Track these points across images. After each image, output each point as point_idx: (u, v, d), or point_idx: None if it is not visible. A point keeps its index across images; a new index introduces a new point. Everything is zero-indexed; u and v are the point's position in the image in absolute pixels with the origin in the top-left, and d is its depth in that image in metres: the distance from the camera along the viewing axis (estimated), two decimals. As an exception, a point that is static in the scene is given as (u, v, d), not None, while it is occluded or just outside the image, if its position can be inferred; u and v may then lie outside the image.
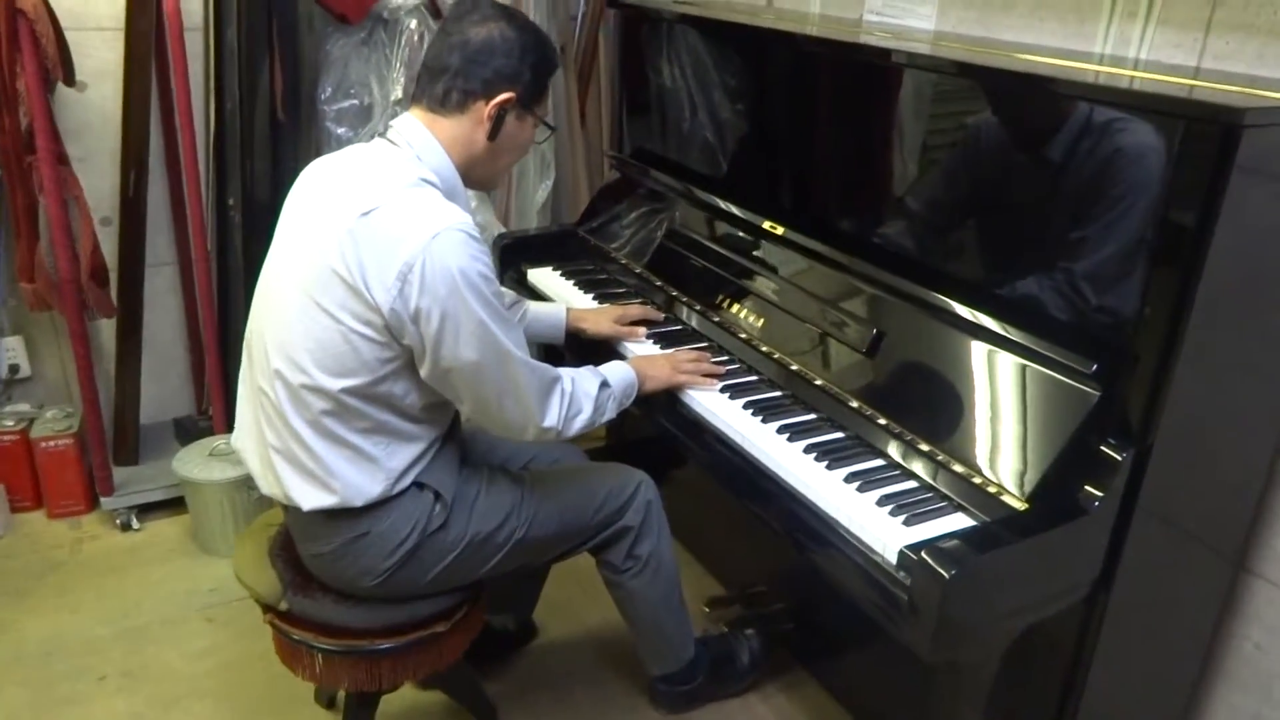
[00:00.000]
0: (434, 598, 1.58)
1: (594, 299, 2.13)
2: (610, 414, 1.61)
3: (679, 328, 1.97)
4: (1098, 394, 1.30)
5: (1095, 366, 1.30)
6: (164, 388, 2.77)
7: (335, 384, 1.38)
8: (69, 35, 2.35)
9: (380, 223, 1.34)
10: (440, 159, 1.44)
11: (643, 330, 1.95)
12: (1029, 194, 1.43)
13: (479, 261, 1.35)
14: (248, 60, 2.34)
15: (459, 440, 1.62)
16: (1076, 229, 1.34)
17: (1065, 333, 1.36)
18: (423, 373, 1.40)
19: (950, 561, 1.19)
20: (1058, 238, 1.37)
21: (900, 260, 1.64)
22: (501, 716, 1.95)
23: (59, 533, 2.49)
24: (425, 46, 2.39)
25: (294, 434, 1.42)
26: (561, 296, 2.16)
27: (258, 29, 2.32)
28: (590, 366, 1.63)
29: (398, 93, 2.38)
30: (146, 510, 2.53)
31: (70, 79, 2.19)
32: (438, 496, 1.51)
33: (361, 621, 1.54)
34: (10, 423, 2.49)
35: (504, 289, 1.94)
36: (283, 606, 1.56)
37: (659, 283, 2.08)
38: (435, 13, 2.45)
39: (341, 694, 1.83)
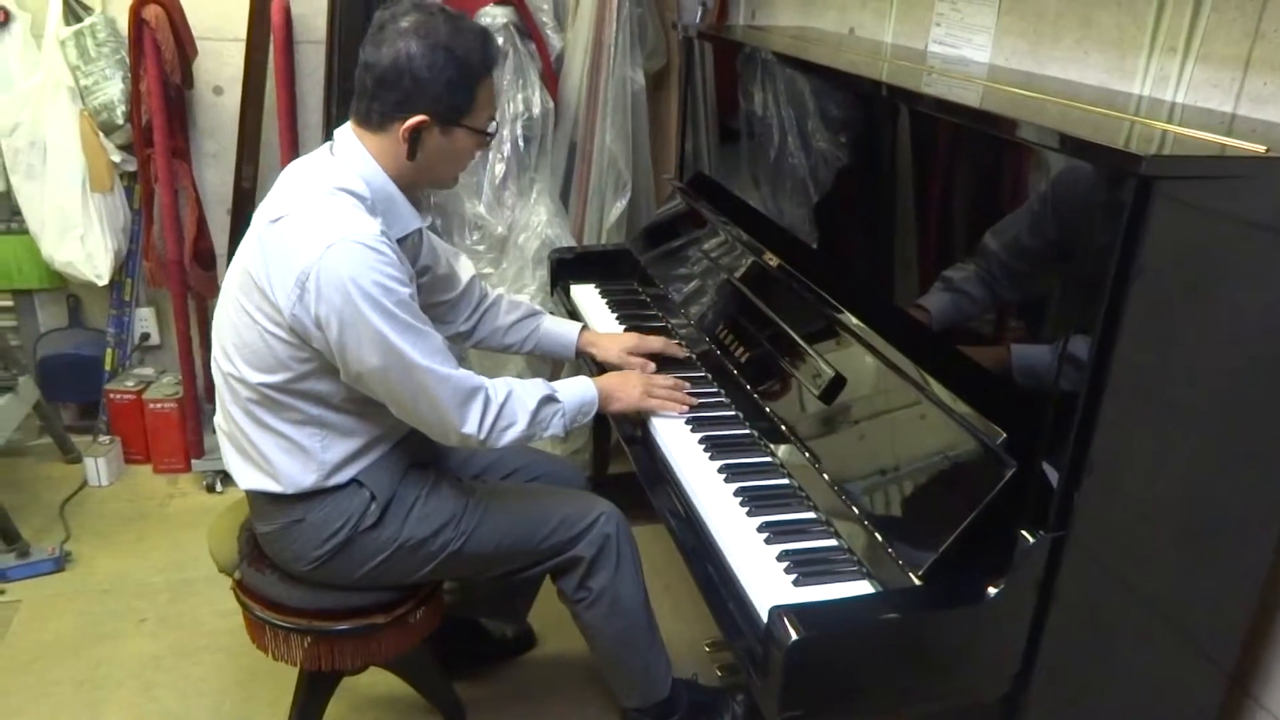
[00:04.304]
0: (374, 590, 1.63)
1: (618, 319, 2.13)
2: (556, 429, 1.60)
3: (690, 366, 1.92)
4: (1012, 468, 1.16)
5: (1005, 437, 1.16)
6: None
7: (255, 377, 1.46)
8: (208, 45, 2.65)
9: (284, 231, 1.40)
10: (371, 169, 1.46)
11: (652, 365, 1.86)
12: (974, 237, 1.30)
13: (376, 271, 1.36)
14: (347, 72, 2.52)
15: (414, 444, 1.65)
16: (1006, 282, 1.20)
17: (988, 398, 1.22)
18: (341, 375, 1.45)
19: (804, 626, 1.10)
20: (989, 293, 1.24)
21: (855, 292, 1.53)
22: (471, 719, 1.98)
23: (157, 486, 2.78)
24: (507, 66, 2.50)
25: (232, 418, 1.52)
26: (592, 315, 2.17)
27: (357, 44, 2.49)
28: (541, 380, 1.62)
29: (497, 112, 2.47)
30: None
31: (187, 82, 2.45)
32: (374, 496, 1.56)
33: (298, 601, 1.62)
34: (131, 383, 2.81)
35: (521, 301, 1.98)
36: (236, 576, 1.67)
37: (684, 313, 2.04)
38: (523, 32, 2.54)
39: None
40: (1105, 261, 1.03)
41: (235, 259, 1.51)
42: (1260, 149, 1.03)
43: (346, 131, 1.49)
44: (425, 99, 1.42)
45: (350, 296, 1.35)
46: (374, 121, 1.45)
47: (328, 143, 1.53)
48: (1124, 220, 1.00)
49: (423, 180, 1.55)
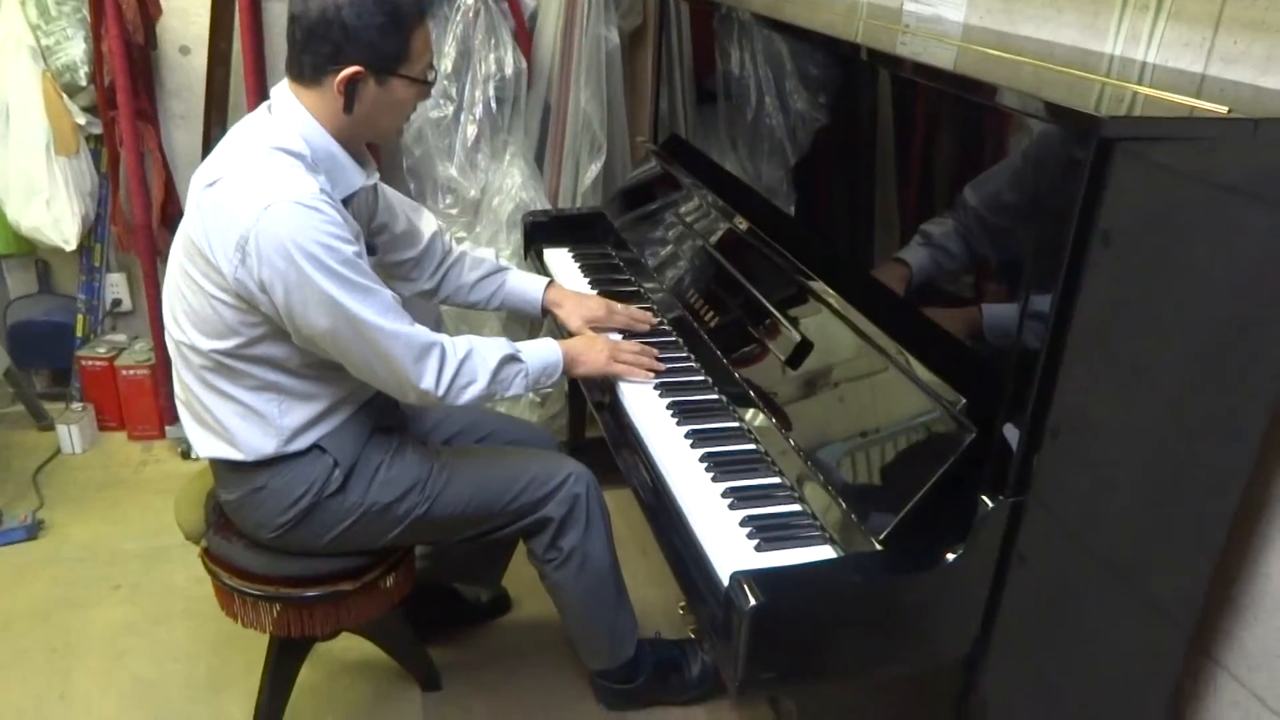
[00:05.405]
0: (342, 556, 1.63)
1: (591, 284, 2.11)
2: (518, 389, 1.59)
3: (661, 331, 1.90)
4: (972, 433, 1.16)
5: (965, 403, 1.15)
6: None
7: (206, 344, 1.44)
8: (173, 4, 2.59)
9: (220, 195, 1.37)
10: (310, 127, 1.43)
11: (616, 337, 1.83)
12: (944, 200, 1.29)
13: (317, 230, 1.34)
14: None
15: (378, 409, 1.64)
16: (974, 245, 1.19)
17: (952, 364, 1.21)
18: (293, 338, 1.43)
19: (763, 591, 1.10)
20: (957, 256, 1.23)
21: (824, 257, 1.51)
22: (445, 683, 1.99)
23: (131, 453, 2.76)
24: (478, 25, 2.45)
25: (186, 386, 1.51)
26: (565, 279, 2.15)
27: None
28: (505, 339, 1.61)
29: (446, 67, 2.43)
30: (207, 442, 2.75)
31: (151, 42, 2.39)
32: (337, 462, 1.55)
33: (266, 569, 1.61)
34: (103, 350, 2.78)
35: (486, 256, 1.95)
36: (203, 544, 1.67)
37: (657, 278, 2.02)
38: (494, -10, 2.48)
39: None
40: (1067, 222, 1.02)
41: (180, 226, 1.48)
42: (1223, 109, 1.01)
43: (283, 88, 1.46)
44: (357, 49, 1.39)
45: (292, 258, 1.33)
46: (307, 75, 1.42)
47: (265, 102, 1.49)
48: (1085, 181, 0.99)
49: (363, 134, 1.51)
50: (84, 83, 2.48)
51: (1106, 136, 0.95)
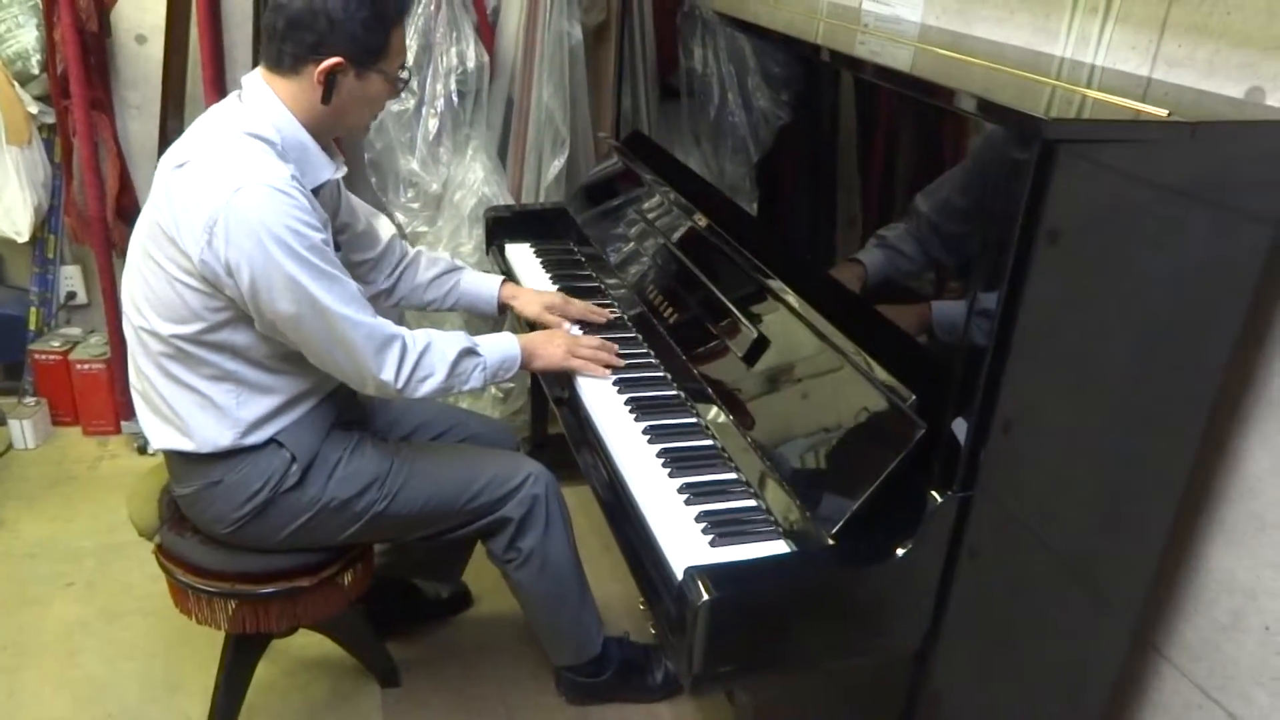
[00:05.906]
0: (298, 552, 1.62)
1: (552, 280, 2.11)
2: (476, 383, 1.59)
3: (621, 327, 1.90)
4: (921, 430, 1.17)
5: (914, 399, 1.17)
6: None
7: (166, 329, 1.43)
8: (130, -9, 2.54)
9: (190, 176, 1.37)
10: (282, 117, 1.43)
11: (571, 327, 1.85)
12: (898, 200, 1.31)
13: (287, 215, 1.34)
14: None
15: (338, 403, 1.63)
16: (925, 244, 1.21)
17: (904, 362, 1.23)
18: (256, 324, 1.42)
19: (716, 586, 1.11)
20: (910, 255, 1.25)
21: (782, 256, 1.53)
22: (405, 679, 1.98)
23: (86, 449, 2.72)
24: (440, 18, 2.44)
25: (143, 374, 1.49)
26: (527, 275, 2.15)
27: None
28: (463, 333, 1.61)
29: (408, 60, 2.41)
30: (164, 438, 2.72)
31: (105, 30, 2.35)
32: (295, 456, 1.54)
33: (221, 565, 1.60)
34: (56, 344, 2.73)
35: (441, 256, 1.96)
36: (156, 540, 1.65)
37: (618, 274, 2.03)
38: (457, -17, 2.47)
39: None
40: (1013, 221, 1.04)
41: (144, 211, 1.47)
42: (1162, 113, 1.04)
43: (255, 77, 1.46)
44: (340, 40, 1.40)
45: (261, 242, 1.32)
46: (286, 65, 1.42)
47: (236, 91, 1.48)
48: (1029, 181, 1.00)
49: (336, 126, 1.52)
50: (36, 71, 2.43)
51: (1050, 138, 0.97)
